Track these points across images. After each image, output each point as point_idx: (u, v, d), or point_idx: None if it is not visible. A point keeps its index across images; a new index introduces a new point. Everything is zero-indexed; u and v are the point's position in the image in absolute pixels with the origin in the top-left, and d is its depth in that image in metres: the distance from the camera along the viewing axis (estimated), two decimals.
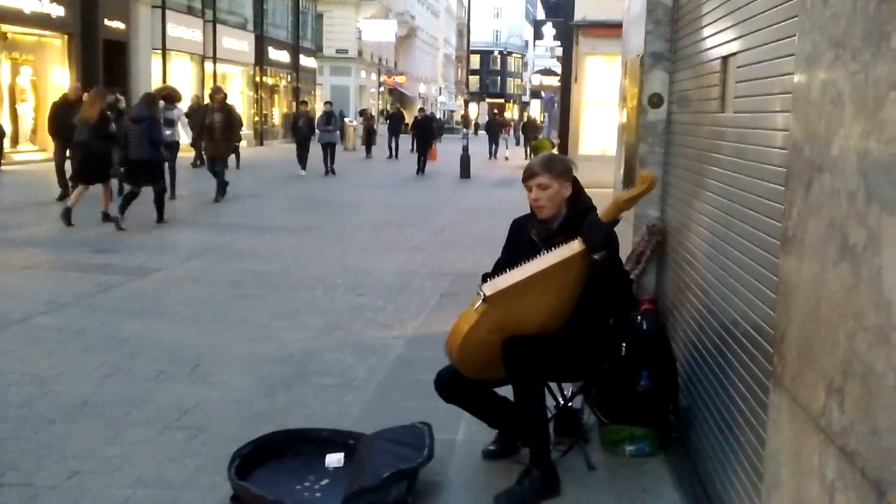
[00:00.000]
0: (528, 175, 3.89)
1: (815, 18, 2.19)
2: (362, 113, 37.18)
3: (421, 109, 30.07)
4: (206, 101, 18.12)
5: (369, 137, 31.94)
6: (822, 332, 2.02)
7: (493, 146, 36.59)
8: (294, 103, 42.13)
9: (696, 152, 4.62)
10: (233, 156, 19.88)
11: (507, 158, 34.69)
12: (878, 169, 1.74)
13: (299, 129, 22.70)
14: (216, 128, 15.35)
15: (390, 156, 31.04)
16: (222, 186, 15.30)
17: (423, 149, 25.24)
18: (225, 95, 16.30)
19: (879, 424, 1.68)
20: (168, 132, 14.44)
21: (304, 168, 22.01)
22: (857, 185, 1.84)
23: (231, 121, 15.79)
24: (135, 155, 11.54)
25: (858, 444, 1.77)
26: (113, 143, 11.96)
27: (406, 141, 32.99)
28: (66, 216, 11.33)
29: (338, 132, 24.78)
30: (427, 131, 26.00)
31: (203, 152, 16.40)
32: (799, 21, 2.35)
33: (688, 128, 4.99)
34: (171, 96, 15.23)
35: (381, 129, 34.80)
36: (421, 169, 24.52)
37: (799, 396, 2.16)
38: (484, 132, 42.12)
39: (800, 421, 2.15)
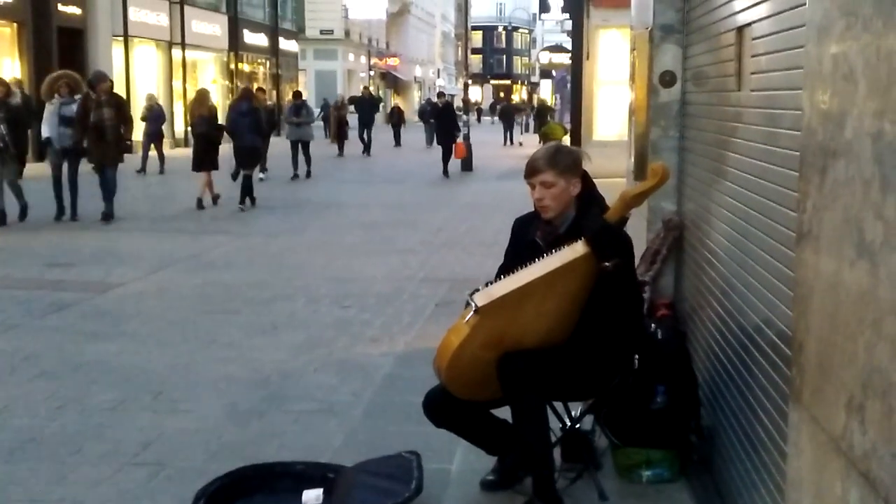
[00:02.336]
0: (531, 171, 3.82)
1: None
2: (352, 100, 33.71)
3: (440, 94, 26.49)
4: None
5: (340, 130, 28.97)
6: (840, 341, 1.99)
7: (509, 132, 38.30)
8: (274, 92, 42.24)
9: (715, 136, 4.59)
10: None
11: (521, 144, 36.01)
12: (892, 154, 1.72)
13: None
14: (106, 126, 12.85)
15: (364, 151, 28.98)
16: (110, 199, 13.31)
17: (447, 144, 22.45)
18: (112, 84, 13.64)
19: None
20: (65, 131, 13.05)
21: (262, 170, 19.11)
22: (873, 172, 1.82)
23: (123, 115, 13.29)
24: (243, 143, 15.06)
25: (881, 469, 1.74)
26: (221, 135, 15.36)
27: (382, 132, 31.51)
28: (210, 201, 15.04)
29: (311, 127, 21.87)
30: (450, 122, 23.28)
31: (89, 157, 13.20)
32: None
33: (704, 109, 4.96)
34: (70, 87, 13.44)
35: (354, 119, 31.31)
36: (445, 170, 21.95)
37: (819, 415, 2.14)
38: (493, 118, 42.34)
39: (821, 443, 2.13)
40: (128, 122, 13.56)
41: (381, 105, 38.66)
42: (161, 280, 9.11)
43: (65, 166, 13.21)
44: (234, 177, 15.92)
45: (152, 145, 22.01)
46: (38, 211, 13.05)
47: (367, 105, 30.66)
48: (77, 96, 13.22)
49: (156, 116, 22.08)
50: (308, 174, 20.55)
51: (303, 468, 4.11)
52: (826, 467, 2.09)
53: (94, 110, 12.81)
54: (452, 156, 22.38)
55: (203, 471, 4.26)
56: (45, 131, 13.39)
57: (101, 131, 12.82)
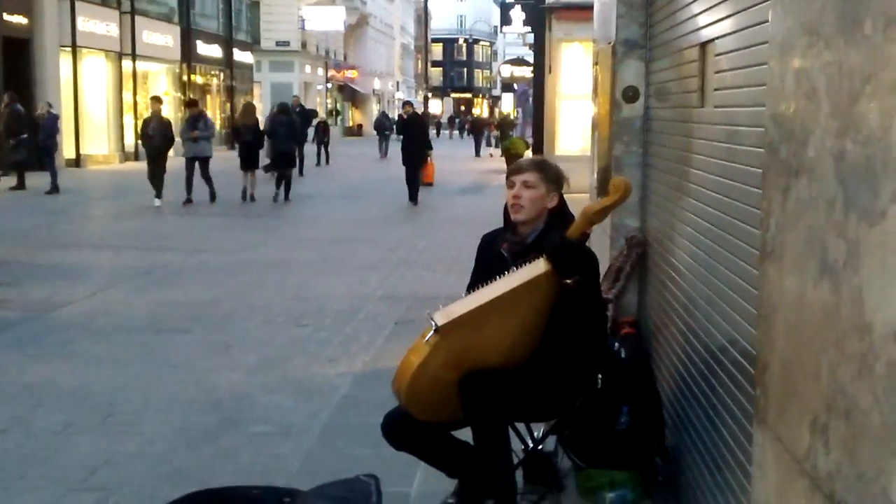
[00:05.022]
0: (515, 170, 3.90)
1: (787, 2, 2.21)
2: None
3: (407, 104, 21.65)
4: None
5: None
6: (804, 360, 2.02)
7: (478, 145, 41.90)
8: (228, 104, 42.05)
9: (678, 153, 4.65)
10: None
11: (491, 155, 38.77)
12: (855, 173, 1.76)
13: (149, 137, 17.88)
14: None
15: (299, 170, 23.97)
16: None
17: (414, 165, 18.90)
18: None
19: (866, 469, 1.68)
20: None
21: (159, 195, 17.40)
22: (835, 191, 1.85)
23: None
24: (281, 148, 18.79)
25: (845, 490, 1.77)
26: (262, 140, 19.27)
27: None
28: (247, 197, 18.35)
29: (210, 142, 18.84)
30: (418, 137, 19.44)
31: None
32: (772, 4, 2.37)
33: (668, 125, 5.03)
34: None
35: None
36: (413, 195, 18.72)
37: (783, 435, 2.17)
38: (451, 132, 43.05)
39: (785, 463, 2.16)
40: None
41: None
42: (109, 298, 9.02)
43: None
44: (267, 170, 19.60)
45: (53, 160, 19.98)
46: None
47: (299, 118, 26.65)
48: None
49: (46, 126, 20.22)
50: (212, 197, 18.10)
51: (258, 493, 4.06)
52: (790, 488, 2.12)
53: None
54: (423, 179, 19.76)
55: (154, 496, 4.23)
56: None
57: None
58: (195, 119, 18.50)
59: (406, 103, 22.10)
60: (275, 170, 19.19)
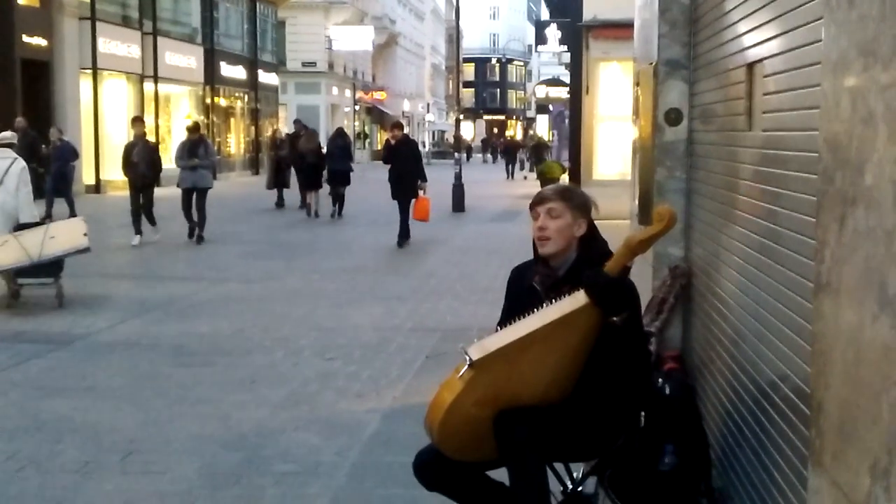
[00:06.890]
0: (538, 199, 3.86)
1: (841, 20, 2.20)
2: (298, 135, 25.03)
3: (396, 126, 17.99)
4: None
5: (279, 176, 23.77)
6: (862, 400, 2.00)
7: (511, 166, 44.25)
8: (253, 127, 42.41)
9: (724, 178, 4.63)
10: None
11: (525, 178, 40.57)
12: None
13: (133, 165, 15.92)
14: None
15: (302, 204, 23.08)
16: None
17: (404, 197, 16.36)
18: None
19: None
20: None
21: (139, 231, 15.94)
22: (895, 221, 1.83)
23: None
24: (336, 167, 21.58)
25: None
26: (324, 163, 22.18)
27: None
28: (312, 214, 21.87)
29: (209, 171, 17.26)
30: (409, 166, 16.42)
31: None
32: (824, 23, 2.36)
33: (713, 149, 5.01)
34: None
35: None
36: (403, 234, 16.25)
37: (841, 480, 2.14)
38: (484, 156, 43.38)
39: None
40: None
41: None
42: (130, 330, 9.08)
43: None
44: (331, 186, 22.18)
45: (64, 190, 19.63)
46: None
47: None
48: None
49: (59, 155, 19.69)
50: (200, 237, 16.47)
51: None
52: None
53: None
54: (414, 216, 16.47)
55: None
56: None
57: None
58: (195, 145, 16.80)
59: (395, 125, 18.13)
60: (332, 186, 21.89)
